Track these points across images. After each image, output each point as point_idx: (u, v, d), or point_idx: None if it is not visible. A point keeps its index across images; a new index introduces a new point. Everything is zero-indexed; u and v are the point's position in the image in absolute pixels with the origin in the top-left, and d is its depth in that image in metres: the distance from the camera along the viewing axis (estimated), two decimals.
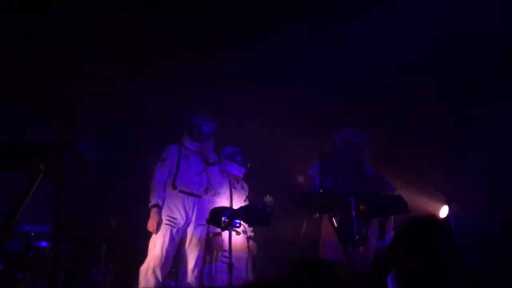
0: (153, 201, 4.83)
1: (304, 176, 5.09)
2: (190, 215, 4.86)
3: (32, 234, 5.03)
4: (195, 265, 4.82)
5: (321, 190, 4.21)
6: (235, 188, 5.33)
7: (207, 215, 4.79)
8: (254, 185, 5.72)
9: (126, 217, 6.45)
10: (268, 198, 5.38)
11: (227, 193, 5.27)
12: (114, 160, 6.87)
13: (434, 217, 2.16)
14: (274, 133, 6.20)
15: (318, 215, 4.45)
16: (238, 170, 5.32)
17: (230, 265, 4.26)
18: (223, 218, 4.30)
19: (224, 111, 6.09)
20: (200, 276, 4.85)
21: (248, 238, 5.05)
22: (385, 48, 5.45)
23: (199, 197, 4.96)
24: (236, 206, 5.01)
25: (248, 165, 5.39)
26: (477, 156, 5.90)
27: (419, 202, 5.40)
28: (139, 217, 6.64)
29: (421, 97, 6.14)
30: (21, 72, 5.66)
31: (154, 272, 4.64)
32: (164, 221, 4.78)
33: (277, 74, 6.03)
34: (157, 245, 4.72)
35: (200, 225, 4.87)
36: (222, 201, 5.13)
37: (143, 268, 4.72)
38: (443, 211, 5.48)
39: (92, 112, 6.52)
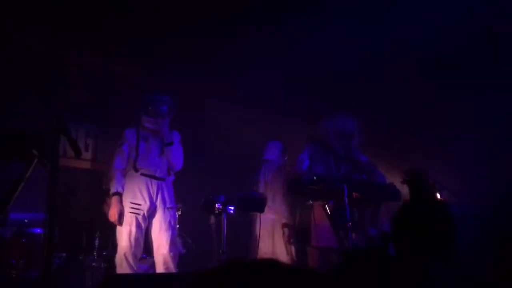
0: (112, 189, 4.64)
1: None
2: (154, 199, 4.70)
3: (26, 221, 5.02)
4: (170, 249, 4.69)
5: (315, 177, 4.23)
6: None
7: (173, 198, 4.77)
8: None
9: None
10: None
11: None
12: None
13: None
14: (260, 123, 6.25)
15: (311, 202, 4.48)
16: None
17: (222, 252, 4.27)
18: (217, 205, 4.31)
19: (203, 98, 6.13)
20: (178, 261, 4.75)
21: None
22: (379, 38, 5.44)
23: (163, 180, 4.80)
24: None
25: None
26: (469, 144, 5.94)
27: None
28: None
29: (414, 87, 6.16)
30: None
31: (127, 260, 4.54)
32: (128, 210, 4.61)
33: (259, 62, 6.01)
34: (123, 235, 4.58)
35: (167, 208, 4.74)
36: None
37: (117, 259, 4.63)
38: None
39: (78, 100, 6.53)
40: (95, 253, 5.26)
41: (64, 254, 5.08)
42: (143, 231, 4.68)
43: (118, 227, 4.67)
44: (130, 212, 4.61)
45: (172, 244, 4.73)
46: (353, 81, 6.03)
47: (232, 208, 4.36)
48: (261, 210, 4.61)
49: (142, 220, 4.66)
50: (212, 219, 5.73)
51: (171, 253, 4.70)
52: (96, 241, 5.31)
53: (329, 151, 4.78)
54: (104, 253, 5.34)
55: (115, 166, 4.72)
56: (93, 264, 5.15)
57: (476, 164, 5.96)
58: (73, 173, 6.43)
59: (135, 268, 4.58)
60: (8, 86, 5.70)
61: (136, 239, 4.59)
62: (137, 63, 6.70)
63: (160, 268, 4.70)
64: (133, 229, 4.59)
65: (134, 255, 4.58)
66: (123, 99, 6.84)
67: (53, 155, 2.85)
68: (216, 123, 6.94)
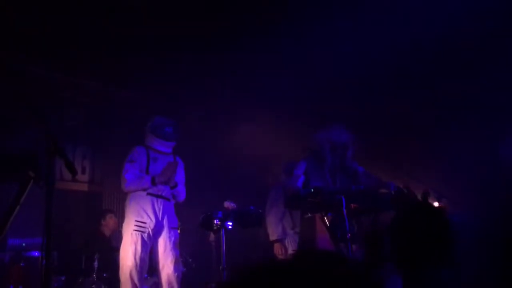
0: (150, 182, 4.65)
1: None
2: (160, 218, 4.71)
3: (24, 245, 5.00)
4: (175, 269, 4.68)
5: (312, 189, 4.23)
6: None
7: (176, 218, 4.79)
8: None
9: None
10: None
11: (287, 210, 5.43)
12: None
13: (430, 205, 2.19)
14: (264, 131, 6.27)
15: (309, 214, 4.46)
16: None
17: (222, 269, 4.26)
18: (215, 221, 4.31)
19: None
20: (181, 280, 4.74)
21: None
22: (373, 45, 5.46)
23: (168, 200, 4.82)
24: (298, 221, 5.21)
25: None
26: (467, 152, 5.95)
27: None
28: None
29: (408, 94, 6.20)
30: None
31: (132, 280, 4.51)
32: (133, 228, 4.59)
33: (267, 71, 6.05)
34: (129, 254, 4.55)
35: (172, 228, 4.76)
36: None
37: (122, 278, 4.59)
38: None
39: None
40: (94, 275, 5.22)
41: (63, 278, 5.06)
42: (148, 250, 4.67)
43: (122, 246, 4.65)
44: (135, 230, 4.59)
45: (176, 264, 4.72)
46: (349, 88, 6.06)
47: (231, 223, 4.36)
48: (259, 224, 4.60)
49: (147, 238, 4.64)
50: (212, 236, 5.73)
51: (176, 273, 4.69)
52: (95, 263, 5.27)
53: (324, 164, 4.78)
54: (104, 275, 5.31)
55: (132, 173, 4.68)
56: (93, 286, 5.11)
57: (474, 172, 5.97)
58: (70, 196, 6.44)
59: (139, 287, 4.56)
60: (5, 109, 5.71)
61: (142, 258, 4.56)
62: (133, 85, 6.73)
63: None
64: (138, 248, 4.56)
65: (140, 274, 4.56)
66: (119, 121, 6.87)
67: (49, 176, 2.85)
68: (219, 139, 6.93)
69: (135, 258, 4.53)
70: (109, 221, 6.03)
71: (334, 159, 4.78)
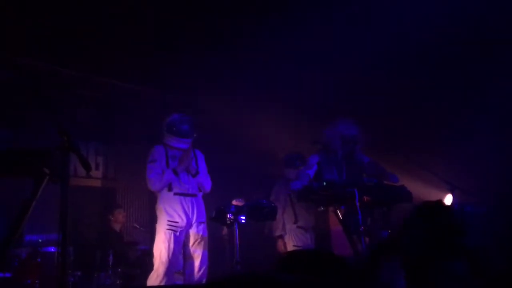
0: (172, 174, 4.77)
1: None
2: (190, 216, 4.81)
3: (40, 241, 5.06)
4: (201, 264, 4.80)
5: (324, 183, 4.23)
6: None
7: (204, 213, 4.85)
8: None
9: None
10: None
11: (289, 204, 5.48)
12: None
13: (441, 202, 2.18)
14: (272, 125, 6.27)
15: (323, 208, 4.47)
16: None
17: (236, 262, 4.28)
18: (228, 215, 4.32)
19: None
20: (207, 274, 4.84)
21: None
22: (383, 38, 5.43)
23: (195, 196, 4.90)
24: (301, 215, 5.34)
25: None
26: (479, 143, 5.91)
27: (423, 191, 5.42)
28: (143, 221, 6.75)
29: (419, 85, 6.16)
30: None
31: (164, 277, 4.60)
32: (166, 227, 4.71)
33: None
34: (163, 251, 4.67)
35: (200, 223, 4.85)
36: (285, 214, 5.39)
37: (152, 274, 4.66)
38: (447, 200, 5.51)
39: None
40: (109, 270, 5.27)
41: (78, 273, 5.10)
42: (181, 247, 4.81)
43: (155, 244, 4.76)
44: (167, 229, 4.71)
45: (203, 258, 4.83)
46: (360, 82, 6.04)
47: (244, 217, 4.37)
48: (273, 218, 4.61)
49: (179, 235, 4.77)
50: (225, 230, 5.75)
51: (203, 266, 4.80)
52: (110, 258, 5.32)
53: (334, 157, 4.78)
54: (119, 270, 5.36)
55: (155, 173, 4.77)
56: (108, 281, 5.16)
57: (488, 163, 5.92)
58: (84, 192, 6.49)
59: (169, 283, 4.65)
60: (18, 106, 5.77)
61: (174, 255, 4.69)
62: (146, 80, 6.75)
63: (190, 281, 4.78)
64: (172, 245, 4.68)
65: (171, 271, 4.67)
66: (132, 116, 6.90)
67: (64, 172, 2.87)
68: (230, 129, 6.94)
69: (168, 255, 4.64)
70: (118, 216, 6.09)
71: (344, 153, 4.78)
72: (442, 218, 2.10)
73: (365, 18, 5.38)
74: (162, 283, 4.59)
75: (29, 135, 5.70)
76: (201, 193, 4.99)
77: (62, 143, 2.86)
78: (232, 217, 4.33)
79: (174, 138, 4.93)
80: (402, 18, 5.25)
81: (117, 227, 6.07)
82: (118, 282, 5.20)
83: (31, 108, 5.86)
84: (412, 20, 5.24)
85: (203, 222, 4.87)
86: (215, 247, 5.48)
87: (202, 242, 4.85)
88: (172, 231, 4.71)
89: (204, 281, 4.77)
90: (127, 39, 5.67)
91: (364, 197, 4.24)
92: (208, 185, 5.01)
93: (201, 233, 4.85)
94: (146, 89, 7.08)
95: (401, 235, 2.18)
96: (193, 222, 4.83)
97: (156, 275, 4.63)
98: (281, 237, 5.61)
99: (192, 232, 4.84)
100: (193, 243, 4.83)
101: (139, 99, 7.01)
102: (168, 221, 4.73)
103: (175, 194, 4.81)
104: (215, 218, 4.55)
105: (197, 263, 4.80)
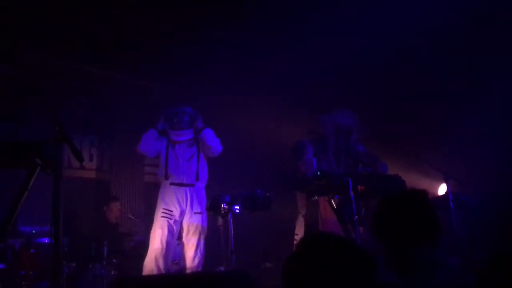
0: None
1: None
2: (184, 206, 4.86)
3: (34, 232, 5.05)
4: (195, 253, 4.83)
5: (318, 172, 4.22)
6: None
7: (203, 203, 4.85)
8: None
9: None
10: None
11: None
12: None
13: (415, 191, 2.19)
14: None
15: (316, 197, 4.46)
16: None
17: (231, 252, 4.27)
18: (222, 205, 4.32)
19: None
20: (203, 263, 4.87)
21: None
22: (383, 29, 5.41)
23: (192, 185, 4.93)
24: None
25: None
26: (474, 133, 5.91)
27: (417, 181, 5.43)
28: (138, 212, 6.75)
29: (412, 75, 6.15)
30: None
31: (156, 263, 4.66)
32: (161, 214, 4.80)
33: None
34: (156, 238, 4.74)
35: (196, 213, 4.87)
36: None
37: (146, 262, 4.74)
38: (442, 189, 5.52)
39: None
40: (104, 261, 5.27)
41: (73, 264, 5.10)
42: (175, 235, 4.87)
43: (151, 232, 4.82)
44: (162, 217, 4.79)
45: (198, 248, 4.85)
46: (356, 71, 6.02)
47: (238, 207, 4.37)
48: (267, 208, 4.60)
49: (173, 224, 4.83)
50: (220, 220, 5.74)
51: (198, 256, 4.83)
52: (105, 250, 5.32)
53: (328, 147, 4.77)
54: (113, 261, 5.36)
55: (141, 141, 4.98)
56: (103, 272, 5.16)
57: (482, 153, 5.93)
58: (79, 184, 6.47)
59: (164, 271, 4.68)
60: (12, 98, 5.74)
61: (168, 242, 4.75)
62: (140, 72, 6.71)
63: (185, 270, 4.87)
64: (165, 231, 4.76)
65: (165, 258, 4.72)
66: (127, 108, 6.87)
67: (56, 162, 2.86)
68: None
69: (161, 241, 4.71)
70: (113, 208, 6.08)
71: (338, 142, 4.76)
72: (411, 206, 2.11)
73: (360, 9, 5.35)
74: (155, 268, 4.64)
75: (27, 128, 5.69)
76: (200, 183, 4.98)
77: (54, 134, 2.85)
78: (226, 207, 4.33)
79: (172, 132, 5.01)
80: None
81: (112, 219, 6.07)
82: (113, 273, 5.20)
83: (29, 101, 5.83)
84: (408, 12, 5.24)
85: (200, 213, 4.87)
86: (211, 237, 5.49)
87: (197, 232, 4.86)
88: (166, 218, 4.78)
89: (199, 270, 4.79)
90: (124, 31, 5.64)
91: (358, 186, 4.23)
92: (217, 145, 5.00)
93: (195, 223, 4.85)
94: (142, 81, 7.04)
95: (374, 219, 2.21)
96: (186, 212, 4.85)
97: (149, 260, 4.70)
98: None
99: (185, 222, 4.87)
100: (187, 233, 4.86)
101: (134, 91, 6.97)
102: (163, 209, 4.82)
103: (171, 184, 4.88)
104: (209, 208, 4.56)
105: (191, 252, 4.83)
